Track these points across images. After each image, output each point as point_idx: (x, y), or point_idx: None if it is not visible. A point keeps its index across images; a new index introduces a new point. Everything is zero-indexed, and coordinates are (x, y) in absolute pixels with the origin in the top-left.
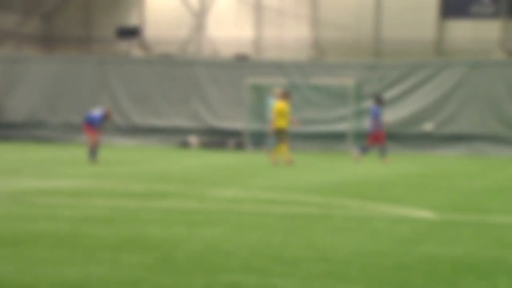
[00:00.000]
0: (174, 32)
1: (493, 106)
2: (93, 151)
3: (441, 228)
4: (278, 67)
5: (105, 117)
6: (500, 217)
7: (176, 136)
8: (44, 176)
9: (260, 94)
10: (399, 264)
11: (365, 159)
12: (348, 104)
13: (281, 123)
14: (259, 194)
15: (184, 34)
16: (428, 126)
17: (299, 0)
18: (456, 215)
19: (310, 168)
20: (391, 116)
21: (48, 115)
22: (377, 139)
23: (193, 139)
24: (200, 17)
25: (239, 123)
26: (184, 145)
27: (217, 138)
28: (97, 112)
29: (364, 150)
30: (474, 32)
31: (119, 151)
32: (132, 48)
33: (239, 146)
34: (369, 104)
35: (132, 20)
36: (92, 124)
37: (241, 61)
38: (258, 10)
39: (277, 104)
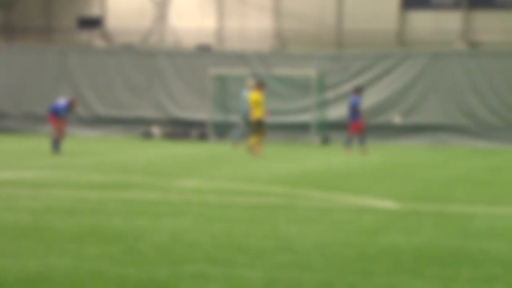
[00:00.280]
0: (136, 22)
1: (455, 97)
2: (56, 142)
3: (404, 218)
4: (240, 57)
5: (70, 106)
6: (462, 207)
7: (139, 126)
8: (6, 167)
9: (223, 84)
10: (362, 254)
11: (329, 149)
12: (311, 95)
13: (259, 114)
14: (222, 184)
15: (146, 24)
16: (397, 119)
17: None
18: (419, 205)
19: (273, 159)
20: None
21: (9, 106)
22: (357, 129)
23: (156, 130)
24: (162, 7)
25: (202, 113)
26: (147, 135)
27: (180, 129)
28: (61, 101)
29: (349, 141)
30: (435, 23)
31: (82, 142)
32: (94, 38)
33: (202, 137)
34: (331, 95)
35: (93, 10)
36: (57, 114)
37: (203, 51)
38: (220, 1)
39: (252, 95)
